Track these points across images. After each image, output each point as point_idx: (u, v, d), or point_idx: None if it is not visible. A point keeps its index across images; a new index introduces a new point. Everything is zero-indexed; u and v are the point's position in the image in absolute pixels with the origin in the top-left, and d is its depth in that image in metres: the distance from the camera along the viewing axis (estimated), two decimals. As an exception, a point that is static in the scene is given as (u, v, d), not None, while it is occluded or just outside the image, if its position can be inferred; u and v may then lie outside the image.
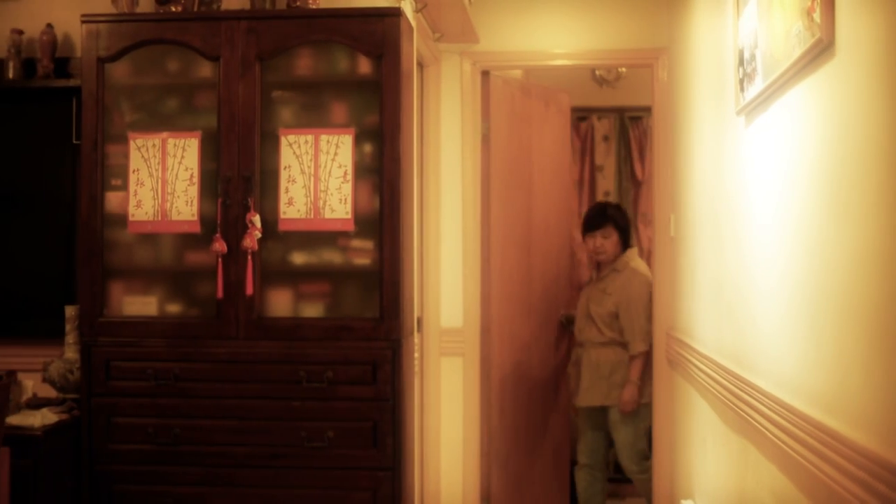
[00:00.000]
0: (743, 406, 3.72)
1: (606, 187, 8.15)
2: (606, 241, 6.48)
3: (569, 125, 7.35)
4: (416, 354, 5.26)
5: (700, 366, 4.77)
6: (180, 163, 4.43)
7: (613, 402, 6.30)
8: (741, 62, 3.71)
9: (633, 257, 6.57)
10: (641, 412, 6.29)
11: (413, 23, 4.89)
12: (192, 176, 4.43)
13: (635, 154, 8.13)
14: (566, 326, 7.08)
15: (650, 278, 6.36)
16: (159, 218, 4.45)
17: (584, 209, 8.10)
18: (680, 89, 5.67)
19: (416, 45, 4.97)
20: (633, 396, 6.22)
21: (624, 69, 7.97)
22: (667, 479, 6.08)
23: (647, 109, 6.94)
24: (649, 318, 6.25)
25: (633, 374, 6.24)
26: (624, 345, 6.32)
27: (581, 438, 6.63)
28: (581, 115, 8.18)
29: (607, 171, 8.15)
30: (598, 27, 6.23)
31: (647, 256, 7.92)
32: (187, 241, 4.48)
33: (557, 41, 6.28)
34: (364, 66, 4.44)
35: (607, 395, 6.33)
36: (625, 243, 6.54)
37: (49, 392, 4.66)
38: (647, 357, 6.26)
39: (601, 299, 6.41)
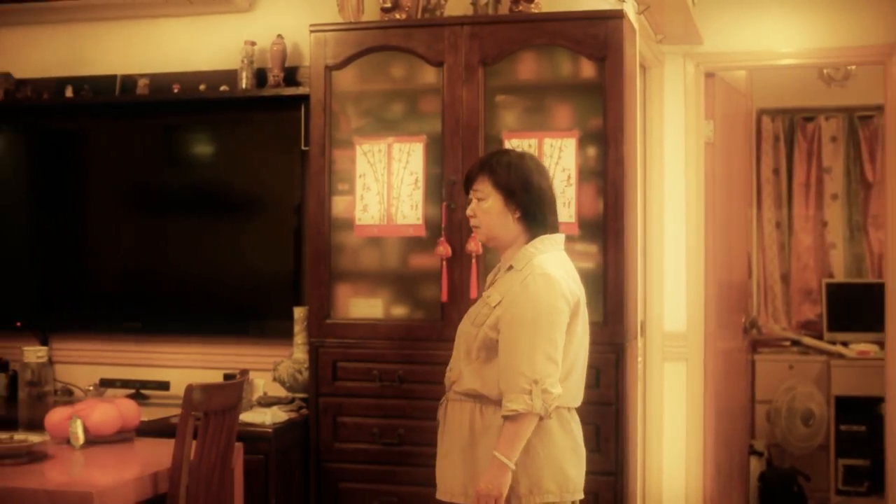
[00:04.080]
0: None
1: (834, 189, 7.93)
2: (479, 206, 3.52)
3: (750, 126, 7.32)
4: (640, 359, 5.19)
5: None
6: (405, 167, 4.50)
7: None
8: (985, 56, 3.55)
9: (546, 249, 3.48)
10: None
11: (635, 25, 4.84)
12: (416, 180, 4.49)
13: (865, 155, 7.88)
14: (748, 331, 6.96)
15: (562, 286, 3.36)
16: (385, 222, 4.52)
17: (811, 212, 7.91)
18: (915, 87, 5.45)
19: (638, 47, 4.92)
20: (495, 485, 3.27)
21: (853, 67, 7.71)
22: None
23: (879, 108, 6.71)
24: (549, 353, 3.28)
25: (501, 446, 3.27)
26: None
27: None
28: (807, 116, 7.99)
29: (835, 172, 7.93)
30: (826, 24, 6.04)
31: (878, 261, 7.65)
32: (412, 244, 4.54)
33: (783, 40, 6.11)
34: (587, 69, 4.42)
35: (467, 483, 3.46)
36: (527, 222, 3.50)
37: (279, 391, 4.80)
38: (542, 425, 3.33)
39: (479, 315, 3.49)
